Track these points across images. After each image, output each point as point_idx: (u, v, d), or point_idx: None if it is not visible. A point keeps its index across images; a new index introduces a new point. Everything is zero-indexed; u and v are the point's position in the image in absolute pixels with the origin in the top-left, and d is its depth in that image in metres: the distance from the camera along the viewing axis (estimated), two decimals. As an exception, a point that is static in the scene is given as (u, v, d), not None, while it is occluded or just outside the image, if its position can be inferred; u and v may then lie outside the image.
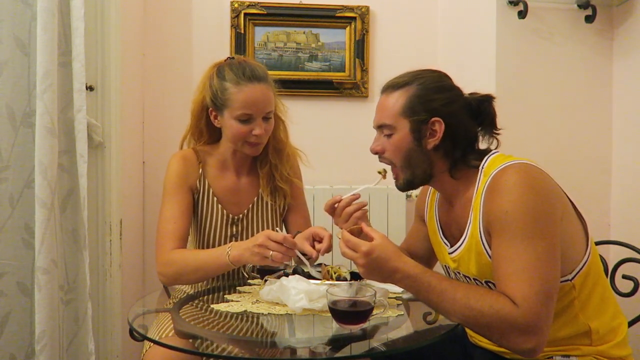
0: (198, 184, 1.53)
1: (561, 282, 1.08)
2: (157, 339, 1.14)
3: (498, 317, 0.98)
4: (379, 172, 1.27)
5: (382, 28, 2.39)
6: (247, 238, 1.51)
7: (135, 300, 1.75)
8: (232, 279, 1.56)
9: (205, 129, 1.57)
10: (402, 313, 1.22)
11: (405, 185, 1.23)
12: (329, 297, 1.05)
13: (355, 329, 1.07)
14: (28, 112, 1.53)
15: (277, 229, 1.56)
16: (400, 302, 1.28)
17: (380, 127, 1.23)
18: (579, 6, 1.97)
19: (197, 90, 1.54)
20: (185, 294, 1.44)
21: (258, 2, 2.30)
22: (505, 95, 1.96)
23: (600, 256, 1.36)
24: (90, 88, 1.66)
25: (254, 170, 1.60)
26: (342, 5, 2.34)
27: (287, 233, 1.34)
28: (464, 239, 1.17)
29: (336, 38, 2.36)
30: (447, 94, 1.19)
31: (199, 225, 1.54)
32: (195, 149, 1.57)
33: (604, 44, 2.02)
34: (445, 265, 1.30)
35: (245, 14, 2.29)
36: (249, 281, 1.47)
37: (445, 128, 1.16)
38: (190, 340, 1.15)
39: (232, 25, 2.29)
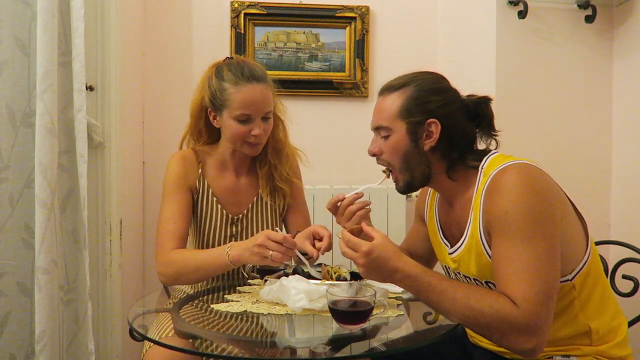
0: (197, 184, 1.53)
1: (561, 282, 1.08)
2: (157, 339, 1.14)
3: (498, 317, 0.98)
4: (384, 172, 1.27)
5: (382, 28, 2.39)
6: (246, 238, 1.51)
7: (135, 300, 1.75)
8: (232, 279, 1.56)
9: (205, 129, 1.57)
10: (402, 313, 1.22)
11: (405, 188, 1.23)
12: (329, 297, 1.05)
13: (355, 329, 1.07)
14: (28, 112, 1.53)
15: (277, 229, 1.56)
16: (400, 302, 1.28)
17: (377, 129, 1.23)
18: (579, 6, 1.97)
19: (196, 90, 1.54)
20: (185, 294, 1.44)
21: (258, 2, 2.30)
22: (505, 95, 1.96)
23: (600, 256, 1.36)
24: (90, 88, 1.66)
25: (253, 170, 1.60)
26: (342, 5, 2.34)
27: (287, 233, 1.34)
28: (464, 239, 1.17)
29: (336, 38, 2.36)
30: (443, 95, 1.19)
31: (199, 225, 1.54)
32: (195, 149, 1.57)
33: (604, 44, 2.02)
34: (445, 266, 1.30)
35: (245, 14, 2.29)
36: (249, 281, 1.47)
37: (441, 129, 1.16)
38: (190, 340, 1.15)
39: (232, 25, 2.29)
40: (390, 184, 1.27)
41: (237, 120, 1.44)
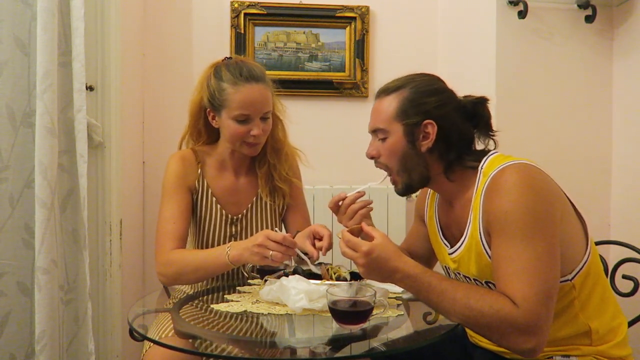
0: (197, 184, 1.53)
1: (561, 282, 1.08)
2: (157, 339, 1.14)
3: (498, 317, 0.98)
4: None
5: (382, 28, 2.39)
6: (246, 238, 1.50)
7: (135, 300, 1.75)
8: (232, 279, 1.56)
9: (204, 130, 1.57)
10: (402, 313, 1.22)
11: (404, 190, 1.23)
12: (329, 297, 1.05)
13: (355, 329, 1.07)
14: (28, 112, 1.53)
15: (277, 228, 1.55)
16: (400, 302, 1.28)
17: (374, 132, 1.23)
18: (579, 6, 1.97)
19: (195, 90, 1.54)
20: (185, 294, 1.44)
21: (258, 2, 2.30)
22: (505, 95, 1.96)
23: (600, 256, 1.36)
24: (90, 88, 1.66)
25: (252, 170, 1.60)
26: (342, 5, 2.34)
27: (287, 233, 1.34)
28: (464, 240, 1.17)
29: (336, 38, 2.36)
30: (439, 96, 1.19)
31: (198, 225, 1.54)
32: (194, 149, 1.57)
33: (604, 44, 2.02)
34: (445, 266, 1.30)
35: (245, 14, 2.29)
36: (249, 281, 1.47)
37: (438, 130, 1.17)
38: (190, 340, 1.15)
39: (232, 25, 2.29)
40: (391, 183, 1.27)
41: (236, 121, 1.44)
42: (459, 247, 1.20)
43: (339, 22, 2.34)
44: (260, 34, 2.32)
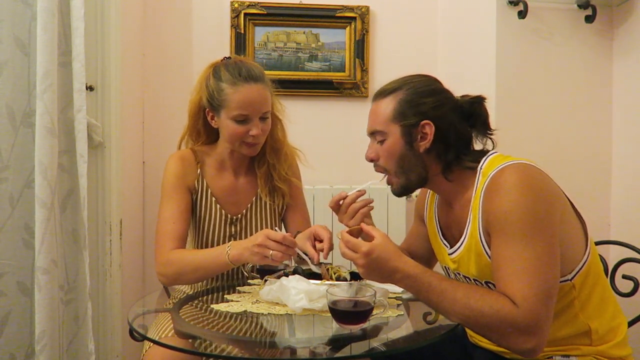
0: (196, 184, 1.53)
1: (561, 282, 1.08)
2: (157, 339, 1.14)
3: (498, 317, 0.98)
4: None
5: (382, 28, 2.39)
6: (245, 238, 1.50)
7: (135, 300, 1.75)
8: (232, 279, 1.56)
9: (203, 130, 1.57)
10: (402, 313, 1.22)
11: (400, 191, 1.23)
12: (329, 297, 1.05)
13: (355, 329, 1.07)
14: (28, 112, 1.53)
15: (277, 228, 1.55)
16: (400, 302, 1.28)
17: (373, 134, 1.24)
18: (579, 6, 1.97)
19: (194, 90, 1.54)
20: (185, 294, 1.44)
21: (258, 2, 2.30)
22: (505, 95, 1.96)
23: (600, 256, 1.36)
24: (90, 88, 1.66)
25: (252, 170, 1.60)
26: (342, 5, 2.34)
27: (287, 232, 1.34)
28: (464, 240, 1.17)
29: (336, 38, 2.36)
30: (436, 97, 1.19)
31: (198, 225, 1.54)
32: (194, 149, 1.57)
33: (604, 44, 2.02)
34: (445, 266, 1.30)
35: (245, 14, 2.29)
36: (249, 281, 1.47)
37: (435, 130, 1.17)
38: (190, 340, 1.15)
39: (232, 25, 2.29)
40: (387, 183, 1.27)
41: (235, 121, 1.44)
42: (459, 247, 1.20)
43: (339, 22, 2.34)
44: (260, 34, 2.32)
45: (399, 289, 1.23)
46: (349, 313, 1.05)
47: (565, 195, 1.16)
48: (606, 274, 1.46)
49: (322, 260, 1.35)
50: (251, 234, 1.52)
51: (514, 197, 1.04)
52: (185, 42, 2.29)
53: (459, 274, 1.23)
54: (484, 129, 1.23)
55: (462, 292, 1.02)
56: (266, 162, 1.58)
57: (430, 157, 1.20)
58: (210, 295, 1.42)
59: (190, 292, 1.46)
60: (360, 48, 2.35)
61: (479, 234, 1.12)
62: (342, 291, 1.11)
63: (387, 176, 1.25)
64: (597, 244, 1.24)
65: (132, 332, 1.19)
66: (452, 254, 1.23)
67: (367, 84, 2.35)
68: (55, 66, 1.49)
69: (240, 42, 2.28)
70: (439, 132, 1.17)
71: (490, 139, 1.23)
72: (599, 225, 2.02)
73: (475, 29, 2.12)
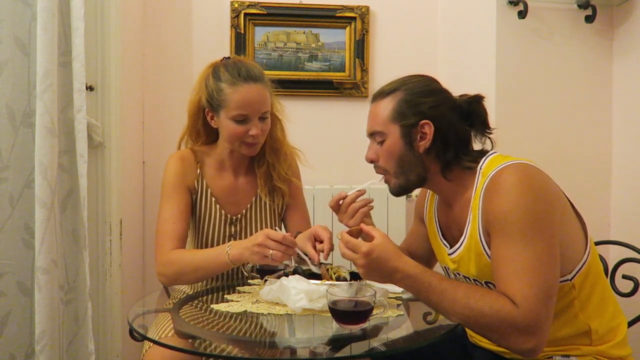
0: (196, 184, 1.53)
1: (561, 282, 1.08)
2: (157, 339, 1.14)
3: (498, 317, 0.98)
4: None
5: (382, 28, 2.39)
6: (245, 238, 1.50)
7: (135, 300, 1.75)
8: (232, 279, 1.56)
9: (203, 130, 1.57)
10: (402, 313, 1.22)
11: (398, 190, 1.24)
12: (329, 297, 1.05)
13: (355, 329, 1.07)
14: (28, 112, 1.53)
15: (277, 228, 1.55)
16: (400, 302, 1.27)
17: (372, 135, 1.24)
18: (579, 6, 1.97)
19: (193, 90, 1.54)
20: (185, 294, 1.44)
21: (258, 2, 2.30)
22: (505, 95, 1.96)
23: (600, 256, 1.36)
24: (90, 88, 1.66)
25: (251, 170, 1.60)
26: (342, 5, 2.34)
27: (287, 232, 1.34)
28: (463, 240, 1.18)
29: (336, 38, 2.36)
30: (434, 97, 1.20)
31: (198, 225, 1.54)
32: (193, 149, 1.57)
33: (604, 44, 2.02)
34: (445, 267, 1.30)
35: (245, 14, 2.29)
36: (249, 281, 1.47)
37: (435, 130, 1.17)
38: (190, 340, 1.15)
39: (232, 25, 2.29)
40: (384, 182, 1.27)
41: (234, 121, 1.44)
42: (459, 247, 1.20)
43: (339, 22, 2.34)
44: (260, 34, 2.32)
45: (399, 289, 1.23)
46: (349, 313, 1.05)
47: (565, 195, 1.16)
48: (606, 274, 1.46)
49: (322, 260, 1.35)
50: (251, 234, 1.52)
51: (513, 197, 1.04)
52: (185, 42, 2.29)
53: (458, 274, 1.23)
54: (483, 127, 1.23)
55: (462, 292, 1.02)
56: (266, 162, 1.58)
57: (429, 157, 1.20)
58: (210, 295, 1.42)
59: (190, 292, 1.46)
60: (360, 48, 2.35)
61: (479, 234, 1.12)
62: (342, 291, 1.11)
63: (385, 176, 1.25)
64: (597, 244, 1.24)
65: (132, 332, 1.19)
66: (451, 254, 1.23)
67: (367, 84, 2.35)
68: (55, 66, 1.49)
69: (240, 42, 2.28)
70: (438, 132, 1.17)
71: (489, 138, 1.23)
72: (599, 225, 2.02)
73: (475, 29, 2.12)
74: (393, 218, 2.24)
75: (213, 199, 1.54)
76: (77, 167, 1.54)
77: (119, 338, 1.77)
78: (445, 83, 1.26)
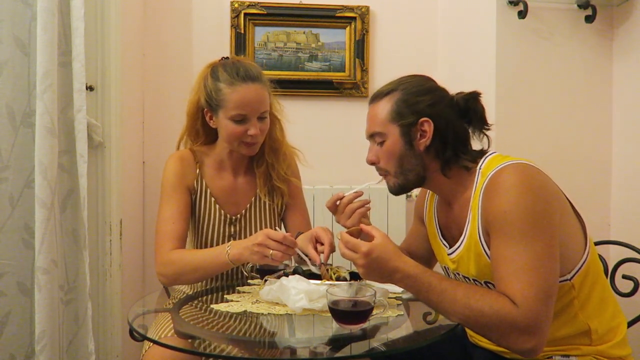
0: (195, 184, 1.53)
1: (560, 281, 1.08)
2: (157, 339, 1.14)
3: (498, 317, 0.98)
4: None
5: (382, 28, 2.39)
6: (245, 238, 1.50)
7: (135, 300, 1.75)
8: (232, 279, 1.56)
9: (202, 130, 1.57)
10: (402, 313, 1.22)
11: (397, 189, 1.24)
12: (329, 297, 1.05)
13: (355, 329, 1.07)
14: (28, 112, 1.53)
15: (277, 228, 1.55)
16: (400, 302, 1.27)
17: (372, 136, 1.24)
18: (579, 6, 1.97)
19: (192, 90, 1.54)
20: (184, 295, 1.44)
21: (258, 2, 2.30)
22: (505, 95, 1.96)
23: (600, 256, 1.36)
24: (90, 88, 1.67)
25: (251, 170, 1.60)
26: (342, 5, 2.34)
27: (287, 232, 1.34)
28: (463, 240, 1.18)
29: (336, 38, 2.36)
30: (432, 94, 1.20)
31: (197, 225, 1.54)
32: (192, 150, 1.57)
33: (604, 44, 2.02)
34: (444, 267, 1.30)
35: (245, 14, 2.29)
36: (249, 281, 1.47)
37: (434, 128, 1.17)
38: (190, 340, 1.15)
39: (232, 25, 2.29)
40: (384, 179, 1.27)
41: (233, 121, 1.44)
42: (458, 247, 1.20)
43: (339, 22, 2.34)
44: (260, 34, 2.32)
45: (399, 289, 1.23)
46: (349, 313, 1.05)
47: (565, 195, 1.16)
48: (606, 274, 1.46)
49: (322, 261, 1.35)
50: (250, 234, 1.52)
51: (513, 197, 1.04)
52: (185, 42, 2.29)
53: (458, 274, 1.23)
54: (481, 124, 1.23)
55: (462, 292, 1.02)
56: (265, 162, 1.58)
57: (429, 156, 1.20)
58: (210, 295, 1.42)
59: (190, 292, 1.46)
60: (360, 48, 2.35)
61: (479, 234, 1.12)
62: (342, 291, 1.11)
63: (386, 176, 1.25)
64: (597, 244, 1.24)
65: (132, 332, 1.19)
66: (451, 254, 1.23)
67: (367, 84, 2.35)
68: (55, 66, 1.49)
69: (240, 42, 2.28)
70: (437, 129, 1.18)
71: (487, 135, 1.23)
72: (599, 225, 2.02)
73: (475, 29, 2.12)
74: (393, 218, 2.24)
75: (212, 199, 1.54)
76: (77, 167, 1.54)
77: (119, 338, 1.77)
78: (445, 83, 1.26)
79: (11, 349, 1.53)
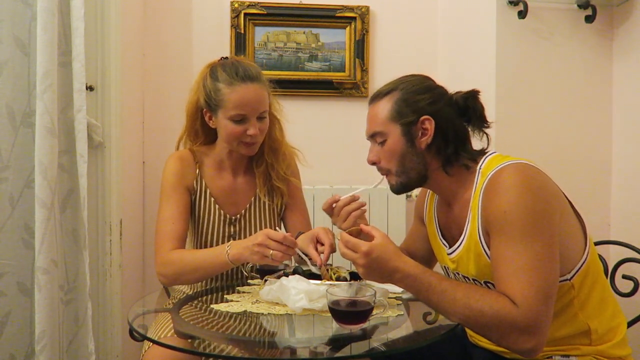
0: (195, 184, 1.53)
1: (560, 281, 1.08)
2: (156, 339, 1.14)
3: (498, 317, 0.98)
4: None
5: (382, 28, 2.39)
6: (245, 238, 1.50)
7: (135, 300, 1.75)
8: (232, 279, 1.55)
9: (201, 130, 1.57)
10: (402, 313, 1.22)
11: (399, 188, 1.24)
12: (329, 297, 1.05)
13: (355, 329, 1.07)
14: (28, 112, 1.53)
15: (277, 228, 1.55)
16: (400, 302, 1.27)
17: (372, 136, 1.24)
18: (579, 6, 1.97)
19: (191, 91, 1.54)
20: (184, 294, 1.44)
21: (258, 2, 2.30)
22: (505, 95, 1.96)
23: (600, 256, 1.36)
24: (90, 88, 1.67)
25: (250, 170, 1.60)
26: (342, 5, 2.34)
27: (287, 232, 1.34)
28: (463, 240, 1.18)
29: (336, 38, 2.36)
30: (431, 93, 1.21)
31: (197, 225, 1.54)
32: (192, 150, 1.57)
33: (604, 44, 2.02)
34: (444, 266, 1.30)
35: (245, 14, 2.29)
36: (249, 281, 1.47)
37: (434, 125, 1.17)
38: (190, 340, 1.15)
39: (232, 25, 2.29)
40: (386, 178, 1.27)
41: (232, 121, 1.44)
42: (458, 247, 1.20)
43: (339, 22, 2.34)
44: (260, 34, 2.32)
45: (399, 289, 1.23)
46: (349, 313, 1.05)
47: (565, 195, 1.16)
48: (606, 274, 1.46)
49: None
50: (250, 234, 1.52)
51: (513, 197, 1.04)
52: (185, 42, 2.29)
53: (458, 274, 1.23)
54: (480, 122, 1.23)
55: (462, 292, 1.02)
56: (264, 162, 1.58)
57: (430, 154, 1.20)
58: (210, 295, 1.42)
59: (190, 292, 1.46)
60: (360, 48, 2.35)
61: (478, 234, 1.12)
62: (342, 291, 1.11)
63: (388, 176, 1.25)
64: (597, 244, 1.24)
65: (132, 332, 1.19)
66: (451, 254, 1.23)
67: (367, 84, 2.35)
68: (55, 66, 1.49)
69: (240, 42, 2.29)
70: (438, 127, 1.18)
71: (486, 134, 1.23)
72: (599, 225, 2.02)
73: (475, 29, 2.12)
74: (393, 218, 2.24)
75: (212, 199, 1.54)
76: (77, 167, 1.54)
77: (119, 338, 1.77)
78: (445, 83, 1.27)
79: (11, 349, 1.54)
